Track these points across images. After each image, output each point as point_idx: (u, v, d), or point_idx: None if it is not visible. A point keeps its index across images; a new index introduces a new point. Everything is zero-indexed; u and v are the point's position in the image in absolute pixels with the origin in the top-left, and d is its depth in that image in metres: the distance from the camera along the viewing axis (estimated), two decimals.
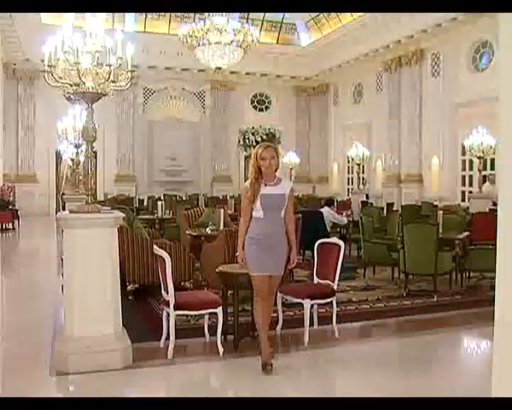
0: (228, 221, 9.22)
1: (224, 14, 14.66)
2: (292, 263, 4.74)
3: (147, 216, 13.17)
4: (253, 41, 15.32)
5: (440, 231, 7.77)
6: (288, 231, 4.66)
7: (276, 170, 4.61)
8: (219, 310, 4.97)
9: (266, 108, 25.06)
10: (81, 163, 12.02)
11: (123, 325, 4.82)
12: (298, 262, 4.85)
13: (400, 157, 19.79)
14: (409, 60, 19.23)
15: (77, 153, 12.74)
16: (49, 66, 4.52)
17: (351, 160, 19.87)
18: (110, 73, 4.60)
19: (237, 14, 16.74)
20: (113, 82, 4.68)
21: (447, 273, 7.74)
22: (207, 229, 8.55)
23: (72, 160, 14.06)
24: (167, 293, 4.93)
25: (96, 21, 4.55)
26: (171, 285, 4.87)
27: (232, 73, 22.08)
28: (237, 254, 4.69)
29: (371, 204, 17.05)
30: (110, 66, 4.59)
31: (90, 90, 4.55)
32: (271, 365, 4.47)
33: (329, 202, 11.72)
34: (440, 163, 18.17)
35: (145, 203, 19.09)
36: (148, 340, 5.31)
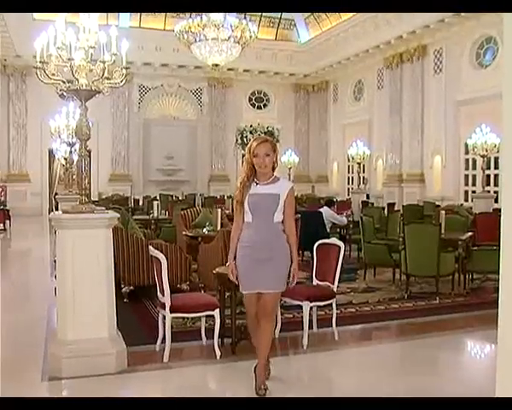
0: (225, 222, 9.22)
1: None
2: (292, 280, 4.09)
3: (142, 216, 13.20)
4: (250, 37, 15.31)
5: (443, 231, 7.76)
6: (288, 239, 4.08)
7: (273, 168, 4.07)
8: (216, 312, 4.96)
9: (264, 105, 25.08)
10: (74, 162, 11.98)
11: (118, 327, 4.81)
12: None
13: (401, 156, 19.82)
14: (410, 56, 19.25)
15: (70, 152, 12.70)
16: (41, 62, 4.49)
17: (351, 159, 19.87)
18: (104, 70, 4.59)
19: None
20: (108, 79, 4.67)
21: (450, 275, 7.74)
22: (204, 229, 8.56)
23: (66, 159, 14.01)
24: (163, 295, 4.93)
25: (90, 17, 4.54)
26: (167, 287, 4.86)
27: (229, 69, 22.07)
28: (227, 264, 4.24)
29: (372, 204, 17.10)
30: (104, 62, 4.57)
31: (84, 87, 4.53)
32: (265, 389, 4.04)
33: (329, 202, 11.70)
34: (443, 162, 18.20)
35: (140, 203, 19.16)
36: (143, 343, 5.30)
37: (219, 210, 8.94)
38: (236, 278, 4.13)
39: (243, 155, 4.10)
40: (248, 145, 4.09)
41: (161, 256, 4.91)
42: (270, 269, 3.98)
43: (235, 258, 4.12)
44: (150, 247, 5.38)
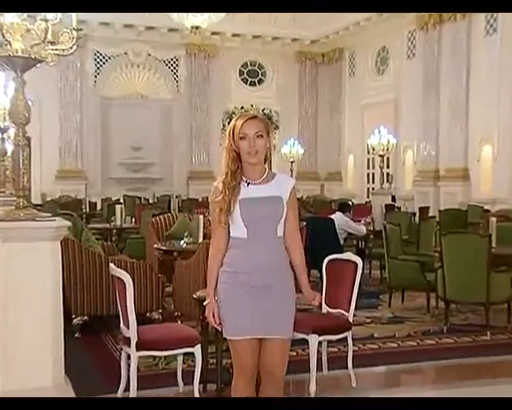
0: (209, 231, 9.22)
1: None
2: (314, 301, 3.85)
3: (101, 225, 13.29)
4: None
5: (494, 244, 7.77)
6: (292, 259, 3.75)
7: (266, 160, 3.68)
8: (197, 349, 4.95)
9: (260, 81, 25.10)
10: (8, 153, 11.97)
11: (66, 372, 4.79)
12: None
13: (438, 146, 19.81)
14: (453, 13, 19.19)
15: (2, 139, 12.69)
16: None
17: (371, 150, 19.88)
18: (47, 32, 4.56)
19: None
20: (52, 43, 4.64)
21: (504, 302, 7.76)
22: (182, 242, 8.56)
23: None
24: (127, 327, 4.92)
25: None
26: (133, 317, 4.86)
27: (214, 34, 22.11)
28: (205, 303, 3.80)
29: (399, 208, 17.16)
30: (47, 21, 4.54)
31: (20, 53, 4.49)
32: None
33: (343, 206, 11.74)
34: (494, 154, 18.14)
35: (98, 208, 19.26)
36: (100, 392, 5.28)
37: (201, 217, 8.94)
38: (219, 322, 3.70)
39: None
40: (230, 126, 3.64)
41: (126, 276, 4.90)
42: (275, 303, 3.63)
43: (215, 292, 3.73)
44: (111, 264, 5.36)
